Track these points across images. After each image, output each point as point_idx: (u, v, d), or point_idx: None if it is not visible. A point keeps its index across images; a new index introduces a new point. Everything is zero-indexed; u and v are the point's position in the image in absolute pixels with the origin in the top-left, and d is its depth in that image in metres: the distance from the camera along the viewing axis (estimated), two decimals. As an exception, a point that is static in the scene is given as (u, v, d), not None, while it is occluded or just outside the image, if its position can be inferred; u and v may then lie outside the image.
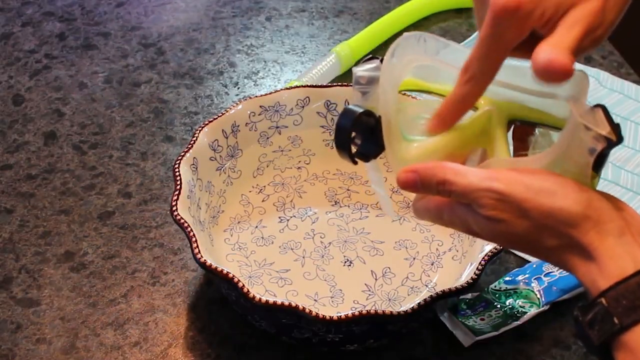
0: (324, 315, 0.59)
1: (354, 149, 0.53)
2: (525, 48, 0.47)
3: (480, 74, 0.48)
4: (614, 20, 0.48)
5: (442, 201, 0.51)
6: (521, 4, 0.45)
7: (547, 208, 0.46)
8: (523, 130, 0.54)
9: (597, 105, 0.47)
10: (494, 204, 0.47)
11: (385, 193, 0.57)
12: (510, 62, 0.52)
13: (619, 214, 0.46)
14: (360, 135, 0.52)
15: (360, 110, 0.51)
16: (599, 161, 0.47)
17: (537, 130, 0.54)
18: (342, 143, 0.52)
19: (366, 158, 0.53)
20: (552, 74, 0.45)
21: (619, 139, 0.46)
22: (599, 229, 0.45)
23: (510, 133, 0.55)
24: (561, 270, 0.72)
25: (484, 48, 0.48)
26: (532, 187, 0.46)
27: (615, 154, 0.88)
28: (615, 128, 0.46)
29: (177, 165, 0.70)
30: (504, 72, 0.51)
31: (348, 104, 0.54)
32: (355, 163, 0.53)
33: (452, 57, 0.52)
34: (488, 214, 0.47)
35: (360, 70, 0.52)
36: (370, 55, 0.53)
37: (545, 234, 0.46)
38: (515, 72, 0.52)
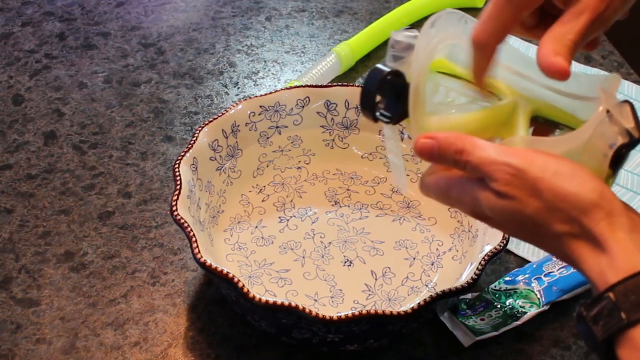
0: (324, 315, 0.59)
1: (377, 109, 0.52)
2: (544, 28, 0.47)
3: (486, 37, 0.49)
4: (621, 3, 0.48)
5: (452, 176, 0.50)
6: None
7: (562, 190, 0.45)
8: (544, 129, 0.54)
9: (625, 101, 0.47)
10: (509, 178, 0.46)
11: (401, 163, 0.56)
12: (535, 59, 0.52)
13: (628, 211, 0.46)
14: (385, 97, 0.51)
15: (388, 69, 0.50)
16: (618, 159, 0.46)
17: (557, 131, 0.54)
18: (366, 99, 0.51)
19: (388, 120, 0.52)
20: (552, 74, 0.46)
21: None
22: (610, 220, 0.44)
23: (530, 130, 0.54)
24: (563, 265, 0.72)
25: (495, 9, 0.48)
26: (548, 168, 0.46)
27: (615, 154, 0.88)
28: (639, 125, 0.46)
29: (177, 165, 0.70)
30: (533, 68, 0.51)
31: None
32: (376, 121, 0.52)
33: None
34: (501, 188, 0.46)
35: (399, 35, 0.51)
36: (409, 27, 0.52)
37: (555, 217, 0.45)
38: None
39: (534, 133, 0.55)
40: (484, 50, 0.50)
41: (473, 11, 1.10)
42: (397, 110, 0.51)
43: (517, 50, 0.53)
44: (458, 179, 0.50)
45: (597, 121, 0.47)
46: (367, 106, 0.51)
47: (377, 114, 0.51)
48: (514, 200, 0.46)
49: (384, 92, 0.51)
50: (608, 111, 0.47)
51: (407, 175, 0.79)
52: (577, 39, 0.46)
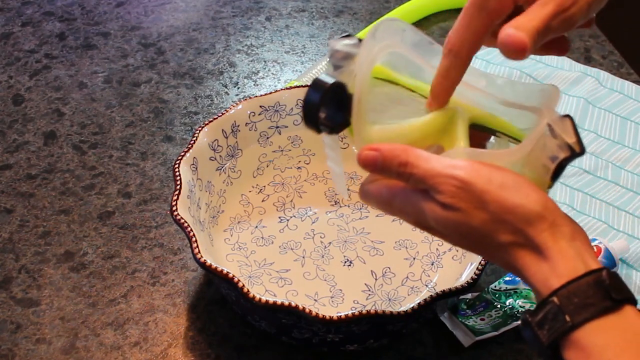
0: (324, 315, 0.59)
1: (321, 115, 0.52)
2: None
3: (460, 44, 0.49)
4: (590, 2, 0.48)
5: (395, 186, 0.50)
6: None
7: (508, 203, 0.46)
8: (480, 135, 0.54)
9: (566, 116, 0.48)
10: (454, 191, 0.46)
11: (341, 171, 0.56)
12: (481, 69, 0.53)
13: (569, 220, 0.47)
14: (327, 107, 0.52)
15: (331, 81, 0.50)
16: (558, 171, 0.48)
17: (493, 138, 0.55)
18: (309, 113, 0.51)
19: (330, 130, 0.52)
20: (510, 50, 0.45)
21: (582, 151, 0.47)
22: (553, 230, 0.46)
23: None
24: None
25: (467, 17, 0.48)
26: (494, 180, 0.46)
27: (615, 153, 0.88)
28: (580, 140, 0.47)
29: (177, 165, 0.70)
30: (475, 77, 0.52)
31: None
32: (319, 132, 0.52)
33: (435, 58, 0.52)
34: (446, 200, 0.47)
35: (339, 45, 0.51)
36: (347, 33, 0.52)
37: (500, 228, 0.46)
38: (485, 78, 0.53)
39: (471, 138, 0.55)
40: (457, 59, 0.50)
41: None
42: (339, 120, 0.52)
43: None
44: (401, 190, 0.50)
45: (539, 134, 0.48)
46: (311, 120, 0.52)
47: (320, 126, 0.52)
48: (460, 212, 0.47)
49: (327, 103, 0.51)
50: (549, 125, 0.48)
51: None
52: (539, 25, 0.45)
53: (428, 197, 0.48)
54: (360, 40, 0.51)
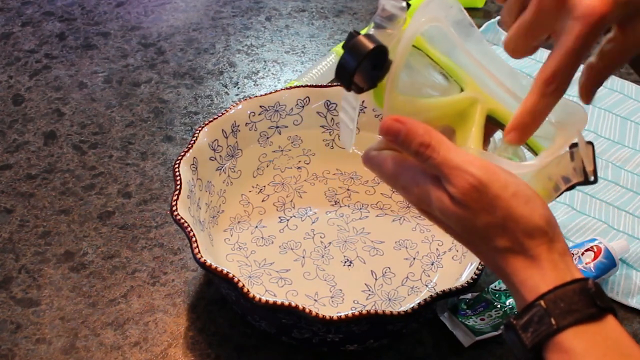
0: (324, 315, 0.59)
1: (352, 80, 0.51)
2: None
3: (565, 84, 0.48)
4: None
5: (404, 162, 0.50)
6: (607, 12, 0.45)
7: (516, 212, 0.47)
8: (492, 128, 0.55)
9: (590, 143, 0.49)
10: (468, 188, 0.47)
11: (353, 127, 0.56)
12: (508, 65, 0.53)
13: (562, 237, 0.49)
14: (362, 67, 0.50)
15: (372, 46, 0.49)
16: (564, 191, 0.49)
17: (499, 132, 0.55)
18: (345, 71, 0.50)
19: (359, 89, 0.52)
20: None
21: (595, 181, 0.49)
22: (550, 245, 0.47)
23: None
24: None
25: (573, 58, 0.46)
26: (508, 187, 0.47)
27: (615, 154, 0.88)
28: (596, 170, 0.49)
29: (177, 165, 0.70)
30: (503, 71, 0.52)
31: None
32: (350, 91, 0.52)
33: (473, 46, 0.52)
34: (457, 195, 0.47)
35: (388, 4, 0.50)
36: None
37: (501, 234, 0.47)
38: (511, 75, 0.53)
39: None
40: (558, 98, 0.49)
41: (473, 11, 1.10)
42: (369, 82, 0.51)
43: (492, 52, 0.53)
44: (411, 168, 0.50)
45: (559, 151, 0.49)
46: (345, 77, 0.51)
47: (352, 85, 0.51)
48: (467, 210, 0.47)
49: (364, 63, 0.50)
50: (571, 146, 0.49)
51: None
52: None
53: (439, 184, 0.48)
54: (408, 4, 0.51)
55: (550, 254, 0.47)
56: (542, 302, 0.45)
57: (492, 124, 0.54)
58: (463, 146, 0.51)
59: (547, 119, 0.50)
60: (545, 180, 0.50)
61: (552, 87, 0.47)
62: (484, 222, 0.47)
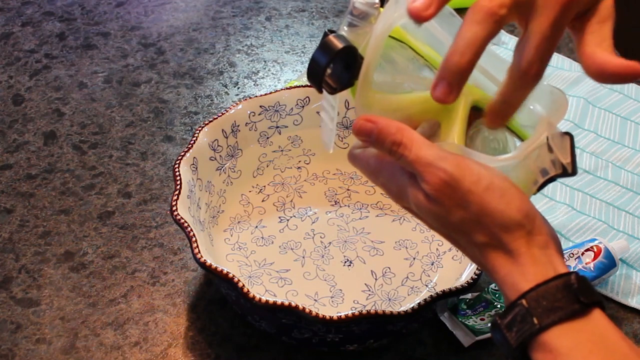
0: (324, 315, 0.59)
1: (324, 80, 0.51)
2: None
3: (542, 70, 0.47)
4: None
5: (384, 160, 0.51)
6: None
7: (489, 207, 0.46)
8: (478, 117, 0.54)
9: (567, 133, 0.48)
10: (440, 184, 0.46)
11: (333, 127, 0.56)
12: (494, 53, 0.52)
13: (545, 228, 0.47)
14: (334, 67, 0.50)
15: (341, 45, 0.49)
16: (545, 183, 0.48)
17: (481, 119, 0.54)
18: (316, 71, 0.50)
19: (333, 90, 0.52)
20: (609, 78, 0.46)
21: (574, 172, 0.47)
22: (528, 238, 0.46)
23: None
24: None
25: (547, 43, 0.45)
26: (481, 181, 0.46)
27: (615, 153, 0.88)
28: (574, 161, 0.48)
29: (177, 165, 0.70)
30: (487, 60, 0.51)
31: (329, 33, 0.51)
32: (321, 92, 0.52)
33: (453, 30, 0.51)
34: (430, 192, 0.47)
35: (358, 2, 0.50)
36: None
37: (477, 229, 0.47)
38: (495, 63, 0.51)
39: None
40: (535, 83, 0.48)
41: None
42: (343, 81, 0.51)
43: None
44: (389, 165, 0.50)
45: (536, 145, 0.48)
46: (315, 78, 0.50)
47: (323, 84, 0.51)
48: (441, 206, 0.47)
49: (334, 63, 0.50)
50: (548, 138, 0.48)
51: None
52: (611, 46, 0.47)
53: (414, 181, 0.48)
54: (381, 2, 0.50)
55: (530, 248, 0.46)
56: (523, 301, 0.45)
57: (480, 114, 0.53)
58: (446, 140, 0.51)
59: (533, 108, 0.49)
60: (524, 173, 0.49)
61: (533, 74, 0.46)
62: (458, 218, 0.47)
